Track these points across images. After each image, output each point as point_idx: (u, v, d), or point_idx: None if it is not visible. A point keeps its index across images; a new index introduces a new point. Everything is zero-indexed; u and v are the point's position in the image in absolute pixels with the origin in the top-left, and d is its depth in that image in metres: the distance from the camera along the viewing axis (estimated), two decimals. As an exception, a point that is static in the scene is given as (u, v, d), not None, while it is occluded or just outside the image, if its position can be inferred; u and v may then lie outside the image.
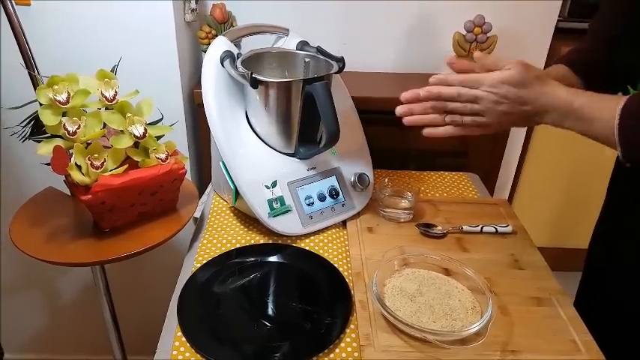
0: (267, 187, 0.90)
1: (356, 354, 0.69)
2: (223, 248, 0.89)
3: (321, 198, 0.94)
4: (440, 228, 0.93)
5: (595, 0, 1.45)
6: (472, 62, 0.73)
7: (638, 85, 0.74)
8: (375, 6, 1.37)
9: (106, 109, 0.85)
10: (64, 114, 0.81)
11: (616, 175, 0.90)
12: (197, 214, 1.00)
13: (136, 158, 0.86)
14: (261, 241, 0.91)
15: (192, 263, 0.85)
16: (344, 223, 0.97)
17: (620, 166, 0.87)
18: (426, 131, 0.74)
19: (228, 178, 0.91)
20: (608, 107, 0.64)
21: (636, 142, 0.63)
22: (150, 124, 0.89)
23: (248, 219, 0.97)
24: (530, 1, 1.38)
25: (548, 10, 1.40)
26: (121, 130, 0.84)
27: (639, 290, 0.82)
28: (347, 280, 0.82)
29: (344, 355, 0.69)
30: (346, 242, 0.92)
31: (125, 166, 0.84)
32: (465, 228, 0.93)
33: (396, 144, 1.32)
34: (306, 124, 0.91)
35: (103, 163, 0.82)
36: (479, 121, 0.72)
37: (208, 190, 1.10)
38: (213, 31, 1.26)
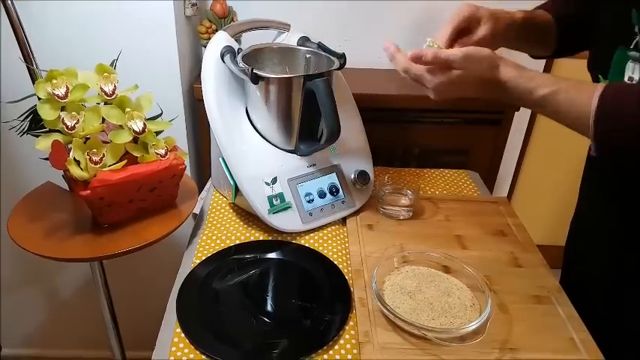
0: (267, 183, 0.90)
1: (355, 351, 0.69)
2: (223, 245, 0.89)
3: (321, 195, 0.94)
4: None
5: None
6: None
7: (609, 75, 0.72)
8: (377, 2, 1.37)
9: (105, 103, 0.84)
10: (62, 108, 0.80)
11: (587, 175, 0.89)
12: (196, 210, 0.99)
13: (135, 153, 0.85)
14: (261, 238, 0.91)
15: (192, 259, 0.85)
16: (344, 220, 0.97)
17: (591, 166, 0.87)
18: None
19: (228, 175, 0.91)
20: (587, 90, 0.64)
21: (614, 129, 0.62)
22: (149, 119, 0.88)
23: (248, 215, 0.97)
24: (531, 3, 1.37)
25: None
26: (120, 125, 0.84)
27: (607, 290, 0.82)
28: (346, 277, 0.81)
29: (343, 352, 0.69)
30: (346, 239, 0.92)
31: (124, 162, 0.83)
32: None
33: (396, 141, 1.32)
34: (306, 121, 0.91)
35: (101, 158, 0.81)
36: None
37: (208, 186, 1.10)
38: (214, 26, 1.25)
